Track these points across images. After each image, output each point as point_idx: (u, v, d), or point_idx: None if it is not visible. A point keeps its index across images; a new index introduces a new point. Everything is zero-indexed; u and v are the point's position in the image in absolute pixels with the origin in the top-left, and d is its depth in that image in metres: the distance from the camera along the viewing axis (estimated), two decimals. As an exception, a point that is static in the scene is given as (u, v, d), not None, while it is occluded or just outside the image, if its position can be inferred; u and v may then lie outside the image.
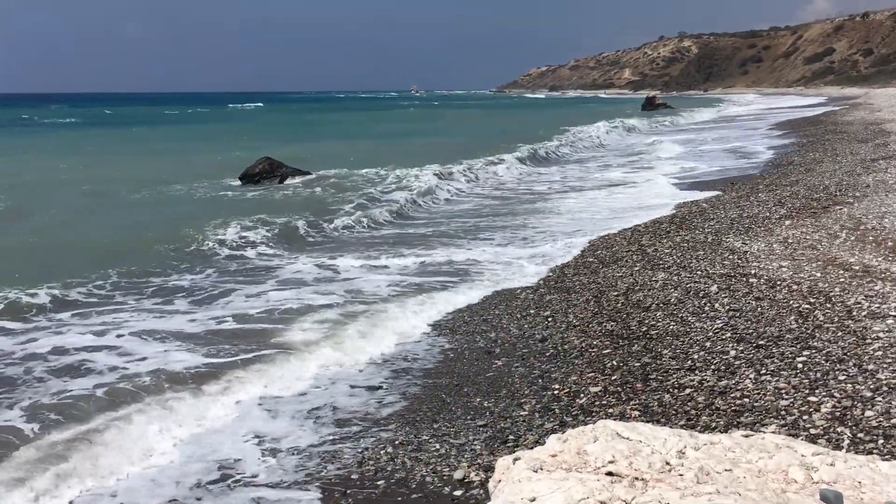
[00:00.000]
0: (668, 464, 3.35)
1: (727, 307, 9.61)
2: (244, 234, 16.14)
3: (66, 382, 8.41)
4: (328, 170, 28.14)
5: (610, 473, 3.25)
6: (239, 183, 25.70)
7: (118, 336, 9.89)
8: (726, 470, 3.32)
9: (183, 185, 25.02)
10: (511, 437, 6.88)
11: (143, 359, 9.07)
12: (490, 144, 36.07)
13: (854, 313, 8.84)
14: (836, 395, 6.82)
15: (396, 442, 7.02)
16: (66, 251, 15.00)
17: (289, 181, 25.96)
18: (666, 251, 13.02)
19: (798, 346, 8.09)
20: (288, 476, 6.53)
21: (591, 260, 13.13)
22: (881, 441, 5.93)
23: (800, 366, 7.55)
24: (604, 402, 7.36)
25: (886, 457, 5.45)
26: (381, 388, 8.39)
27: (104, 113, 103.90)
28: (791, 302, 9.52)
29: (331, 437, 7.22)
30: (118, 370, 8.72)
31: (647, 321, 9.52)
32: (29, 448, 6.87)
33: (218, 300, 11.66)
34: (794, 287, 10.08)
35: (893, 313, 8.69)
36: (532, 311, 10.52)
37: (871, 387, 6.89)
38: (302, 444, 7.12)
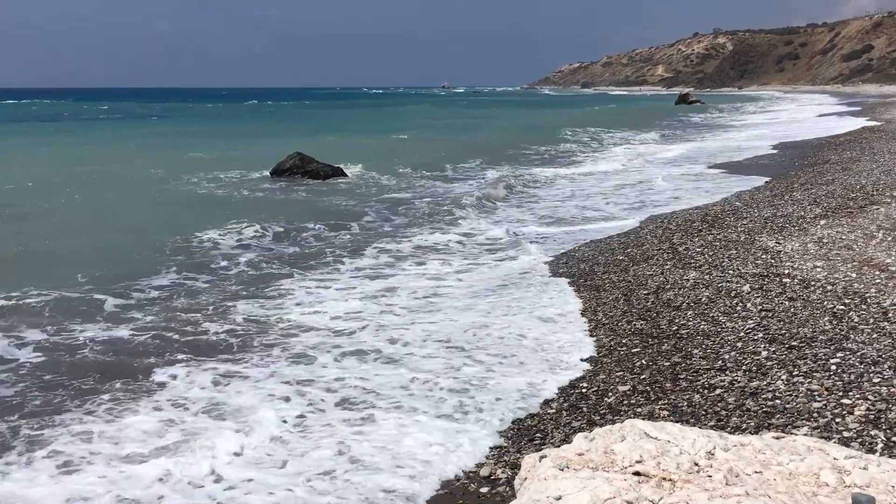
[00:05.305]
0: (696, 464, 3.31)
1: (759, 307, 9.48)
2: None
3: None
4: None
5: (637, 473, 3.22)
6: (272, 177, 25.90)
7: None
8: (756, 472, 3.27)
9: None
10: (538, 434, 6.85)
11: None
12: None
13: (890, 315, 8.67)
14: (871, 397, 6.69)
15: (423, 437, 7.02)
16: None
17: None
18: (697, 250, 12.88)
19: (832, 347, 7.95)
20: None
21: (621, 258, 13.03)
22: (917, 445, 5.81)
23: (833, 367, 7.42)
24: (632, 402, 7.30)
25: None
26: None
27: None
28: (825, 302, 9.37)
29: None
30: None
31: (677, 320, 9.43)
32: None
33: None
34: (829, 287, 9.92)
35: (931, 315, 8.51)
36: (561, 309, 10.47)
37: (907, 390, 6.75)
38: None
